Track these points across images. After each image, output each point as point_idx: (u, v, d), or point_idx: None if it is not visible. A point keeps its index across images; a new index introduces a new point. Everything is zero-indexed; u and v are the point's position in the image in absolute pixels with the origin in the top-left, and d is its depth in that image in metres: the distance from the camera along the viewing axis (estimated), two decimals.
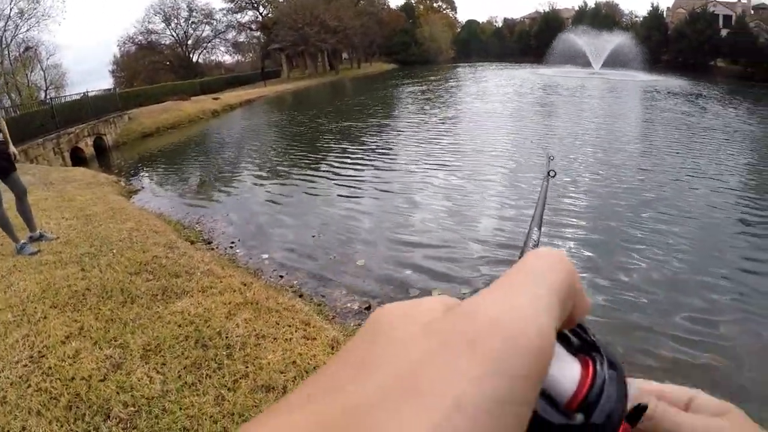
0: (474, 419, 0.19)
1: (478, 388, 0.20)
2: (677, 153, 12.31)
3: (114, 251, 5.76)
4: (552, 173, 1.20)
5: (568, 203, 8.22)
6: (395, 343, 0.23)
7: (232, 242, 7.44)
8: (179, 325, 3.89)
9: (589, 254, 6.32)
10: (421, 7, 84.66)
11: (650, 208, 7.96)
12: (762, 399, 3.69)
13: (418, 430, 0.18)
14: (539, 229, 0.73)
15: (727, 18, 56.85)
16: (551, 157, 1.38)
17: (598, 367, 0.30)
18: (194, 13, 60.97)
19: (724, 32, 54.09)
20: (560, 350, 0.30)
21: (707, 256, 6.21)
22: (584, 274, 5.70)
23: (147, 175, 13.79)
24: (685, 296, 5.24)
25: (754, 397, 3.69)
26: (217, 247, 7.21)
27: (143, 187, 11.95)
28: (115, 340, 3.65)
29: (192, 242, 7.05)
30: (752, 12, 57.20)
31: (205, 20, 61.97)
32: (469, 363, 0.21)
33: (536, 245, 0.65)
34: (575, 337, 0.32)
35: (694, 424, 0.36)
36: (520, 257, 0.34)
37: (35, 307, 4.21)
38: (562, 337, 0.31)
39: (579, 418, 0.27)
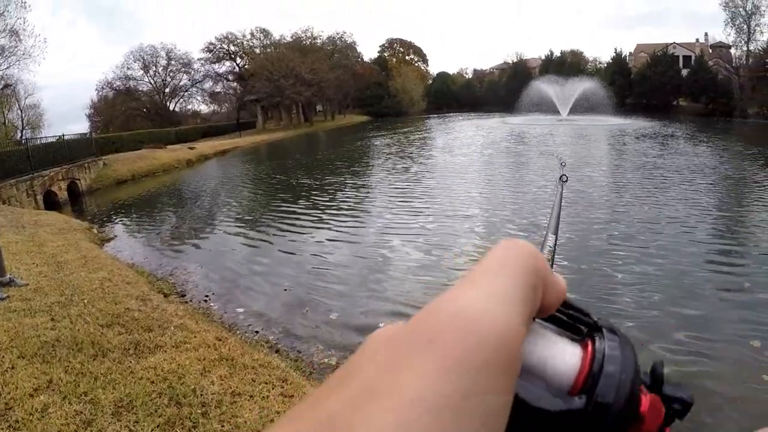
0: (435, 412, 0.20)
1: (436, 382, 0.21)
2: (653, 199, 12.32)
3: (85, 301, 5.66)
4: (564, 178, 1.20)
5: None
6: (370, 354, 0.24)
7: (207, 295, 7.35)
8: (152, 381, 3.81)
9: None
10: (394, 59, 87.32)
11: (625, 264, 7.91)
12: None
13: (381, 429, 0.19)
14: (555, 234, 0.72)
15: (686, 58, 61.06)
16: (563, 163, 1.39)
17: (597, 344, 0.29)
18: (173, 62, 62.10)
19: (684, 72, 57.57)
20: (556, 337, 0.30)
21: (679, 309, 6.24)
22: None
23: (120, 223, 13.63)
24: (657, 348, 5.28)
25: None
26: (191, 300, 7.11)
27: (116, 236, 11.79)
28: (86, 395, 3.56)
29: (165, 295, 6.96)
30: (710, 51, 61.38)
31: (183, 69, 63.11)
32: (427, 359, 0.22)
33: (552, 251, 0.65)
34: (578, 323, 0.32)
35: None
36: None
37: (2, 357, 4.09)
38: (565, 325, 0.32)
39: (579, 401, 0.26)
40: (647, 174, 16.26)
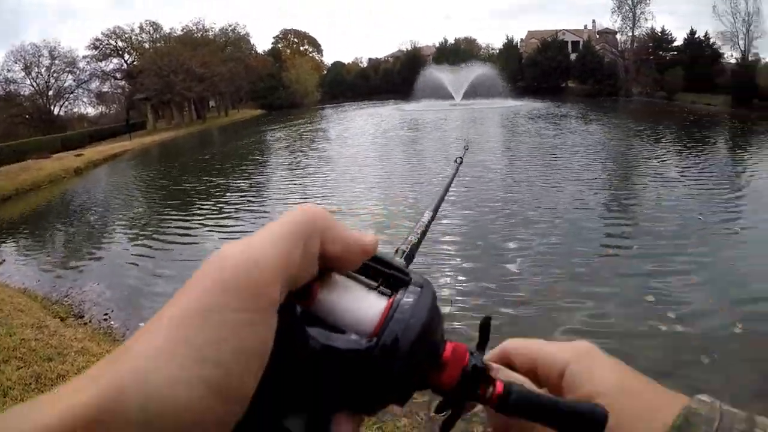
0: (176, 328, 0.24)
1: (179, 302, 0.26)
2: (549, 179, 13.01)
3: None
4: (459, 160, 1.34)
5: (442, 232, 8.53)
6: None
7: (106, 314, 7.27)
8: None
9: (466, 281, 6.82)
10: (288, 51, 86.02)
11: (522, 241, 8.38)
12: None
13: (144, 347, 0.24)
14: (433, 212, 0.71)
15: (575, 44, 65.58)
16: (466, 147, 1.58)
17: (398, 296, 0.32)
18: (56, 61, 57.48)
19: (573, 56, 62.05)
20: (365, 292, 0.33)
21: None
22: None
23: (6, 245, 12.93)
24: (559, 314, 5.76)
25: None
26: (90, 321, 7.02)
27: (3, 260, 11.23)
28: None
29: (62, 318, 6.84)
30: (597, 36, 67.13)
31: (67, 68, 58.61)
32: (186, 287, 0.28)
33: (424, 227, 0.65)
34: (396, 280, 0.34)
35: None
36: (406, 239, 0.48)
37: None
38: (385, 283, 0.35)
39: (367, 342, 0.29)
40: (542, 153, 17.19)
